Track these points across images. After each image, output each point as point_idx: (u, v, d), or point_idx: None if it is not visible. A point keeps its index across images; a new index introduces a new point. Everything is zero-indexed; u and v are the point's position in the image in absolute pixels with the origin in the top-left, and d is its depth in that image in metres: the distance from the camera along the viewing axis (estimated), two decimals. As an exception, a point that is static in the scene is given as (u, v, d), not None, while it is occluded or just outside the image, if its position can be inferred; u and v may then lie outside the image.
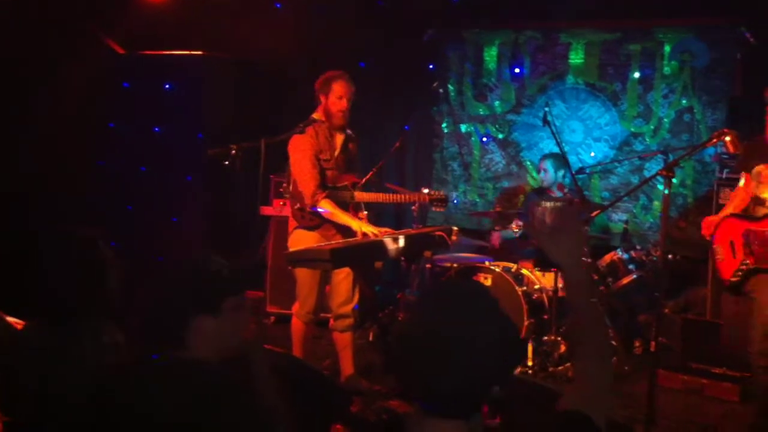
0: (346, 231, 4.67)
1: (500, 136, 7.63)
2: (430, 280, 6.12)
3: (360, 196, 4.80)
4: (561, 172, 6.42)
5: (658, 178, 4.01)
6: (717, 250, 4.30)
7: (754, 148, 4.26)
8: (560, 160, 6.42)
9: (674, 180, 4.40)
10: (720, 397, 5.07)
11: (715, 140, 4.13)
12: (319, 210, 4.63)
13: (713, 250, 4.33)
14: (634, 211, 6.93)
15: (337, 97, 4.71)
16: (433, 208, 5.05)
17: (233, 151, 4.13)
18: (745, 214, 4.25)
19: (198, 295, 2.17)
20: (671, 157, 4.39)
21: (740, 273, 4.17)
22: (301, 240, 4.72)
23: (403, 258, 6.31)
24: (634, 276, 5.70)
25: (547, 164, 6.44)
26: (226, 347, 2.20)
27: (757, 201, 4.18)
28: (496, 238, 6.69)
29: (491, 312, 1.71)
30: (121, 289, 2.53)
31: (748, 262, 4.14)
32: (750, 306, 4.21)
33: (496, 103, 7.61)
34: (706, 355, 5.31)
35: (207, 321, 2.15)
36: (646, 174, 6.69)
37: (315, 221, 4.70)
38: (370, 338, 6.11)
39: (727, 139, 4.08)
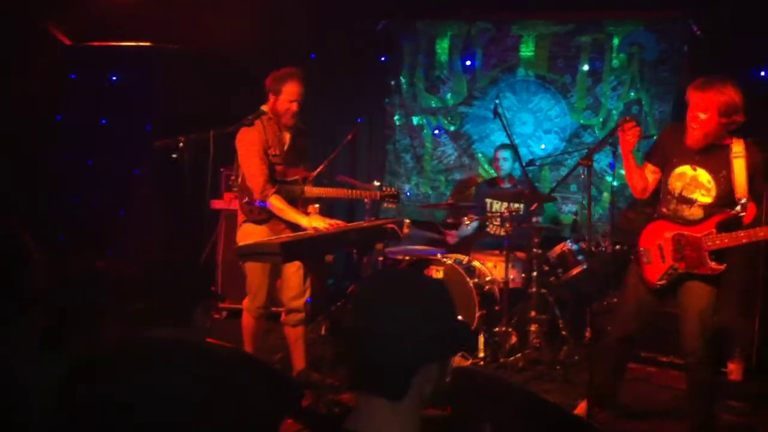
0: (295, 225, 4.63)
1: (452, 128, 7.65)
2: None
3: (310, 190, 4.77)
4: (516, 164, 6.49)
5: (606, 169, 4.06)
6: (644, 252, 4.19)
7: (674, 141, 4.13)
8: (515, 151, 6.49)
9: (621, 171, 4.38)
10: (667, 384, 5.17)
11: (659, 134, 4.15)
12: (268, 206, 4.59)
13: (640, 253, 4.21)
14: (584, 202, 6.98)
15: (287, 100, 4.63)
16: (385, 205, 5.04)
17: (181, 143, 4.06)
18: (675, 216, 4.15)
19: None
20: (619, 150, 4.37)
21: (667, 277, 4.11)
22: (249, 234, 4.67)
23: (354, 250, 6.30)
24: (584, 266, 5.77)
25: (506, 153, 6.50)
26: None
27: (684, 200, 4.10)
28: (452, 236, 6.72)
29: (427, 298, 1.74)
30: (44, 280, 2.60)
31: (677, 267, 4.07)
32: (681, 312, 4.13)
33: (448, 95, 7.63)
34: (654, 343, 5.40)
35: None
36: (595, 166, 6.75)
37: (264, 215, 4.65)
38: (322, 332, 6.09)
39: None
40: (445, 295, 1.78)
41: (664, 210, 4.20)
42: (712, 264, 3.95)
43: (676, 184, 4.13)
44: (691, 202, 4.09)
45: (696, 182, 4.08)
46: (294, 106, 4.64)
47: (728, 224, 3.94)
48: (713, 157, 4.01)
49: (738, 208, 3.92)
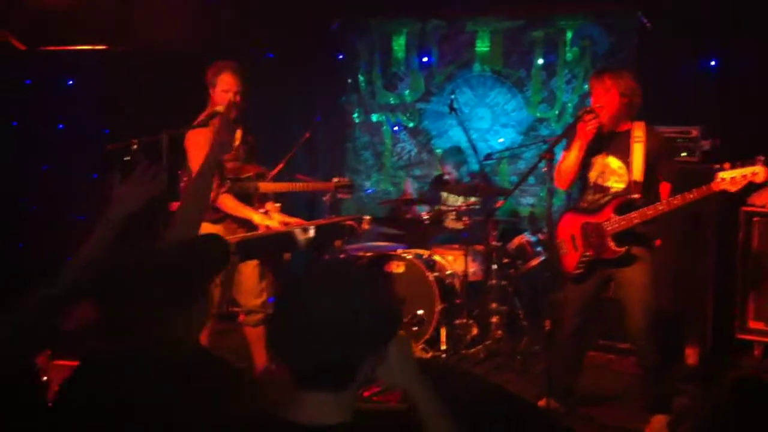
0: (249, 224, 4.61)
1: (411, 124, 7.70)
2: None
3: (265, 186, 4.76)
4: (464, 168, 6.55)
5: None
6: (560, 244, 4.38)
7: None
8: (459, 154, 6.55)
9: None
10: (626, 371, 5.26)
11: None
12: (219, 205, 4.57)
13: (557, 245, 4.40)
14: (541, 195, 7.07)
15: (222, 90, 4.59)
16: (339, 195, 5.05)
17: (134, 146, 4.04)
18: (582, 207, 4.35)
19: None
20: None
21: (582, 265, 4.28)
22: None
23: (314, 248, 6.30)
24: (542, 258, 5.84)
25: (449, 167, 6.58)
26: None
27: (599, 189, 4.28)
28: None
29: (361, 292, 1.77)
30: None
31: (588, 254, 4.25)
32: (624, 295, 4.28)
33: (406, 92, 7.68)
34: (612, 331, 5.48)
35: None
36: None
37: (219, 214, 4.62)
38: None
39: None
40: (377, 281, 1.83)
41: (583, 204, 4.37)
42: (613, 246, 4.14)
43: (591, 174, 4.29)
44: (605, 190, 4.25)
45: (609, 169, 4.25)
46: (229, 97, 4.54)
47: (624, 207, 4.13)
48: (620, 142, 4.20)
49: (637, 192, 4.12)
